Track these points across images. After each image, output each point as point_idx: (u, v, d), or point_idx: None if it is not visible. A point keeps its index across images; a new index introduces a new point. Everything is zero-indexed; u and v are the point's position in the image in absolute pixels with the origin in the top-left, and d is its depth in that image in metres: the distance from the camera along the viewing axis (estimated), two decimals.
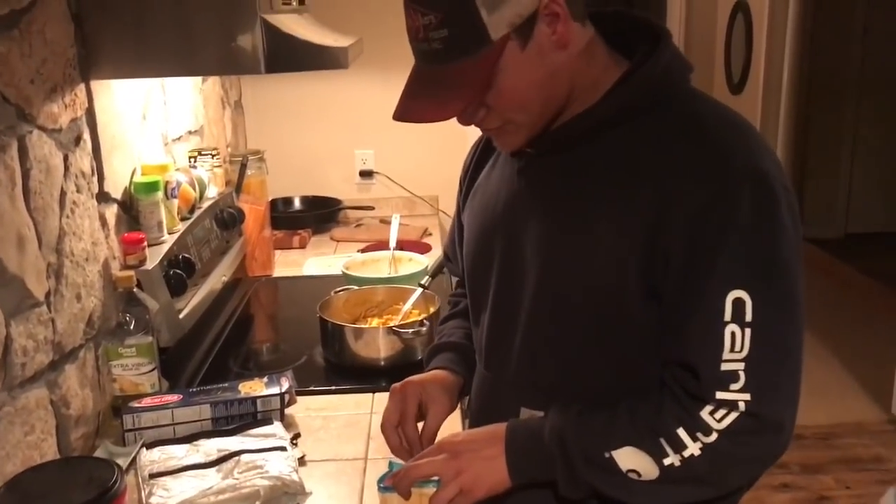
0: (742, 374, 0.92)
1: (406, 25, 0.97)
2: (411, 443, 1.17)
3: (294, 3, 1.78)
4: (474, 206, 1.20)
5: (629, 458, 0.96)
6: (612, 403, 1.01)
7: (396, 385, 1.21)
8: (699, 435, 0.94)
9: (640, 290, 0.97)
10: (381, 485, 1.10)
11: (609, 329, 1.01)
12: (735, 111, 1.02)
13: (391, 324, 1.73)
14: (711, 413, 0.93)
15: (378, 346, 1.69)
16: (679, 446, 0.94)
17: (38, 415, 1.24)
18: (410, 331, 1.67)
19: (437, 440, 1.11)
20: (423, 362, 1.32)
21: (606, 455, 0.96)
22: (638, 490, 0.97)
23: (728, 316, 0.92)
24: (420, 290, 1.82)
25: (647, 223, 0.95)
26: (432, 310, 1.75)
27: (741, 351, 0.92)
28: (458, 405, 1.30)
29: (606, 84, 1.01)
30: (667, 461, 0.95)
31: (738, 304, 0.91)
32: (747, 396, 0.92)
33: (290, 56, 1.52)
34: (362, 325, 1.78)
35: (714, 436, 0.93)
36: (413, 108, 0.99)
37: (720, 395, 0.93)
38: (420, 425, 1.19)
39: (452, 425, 1.47)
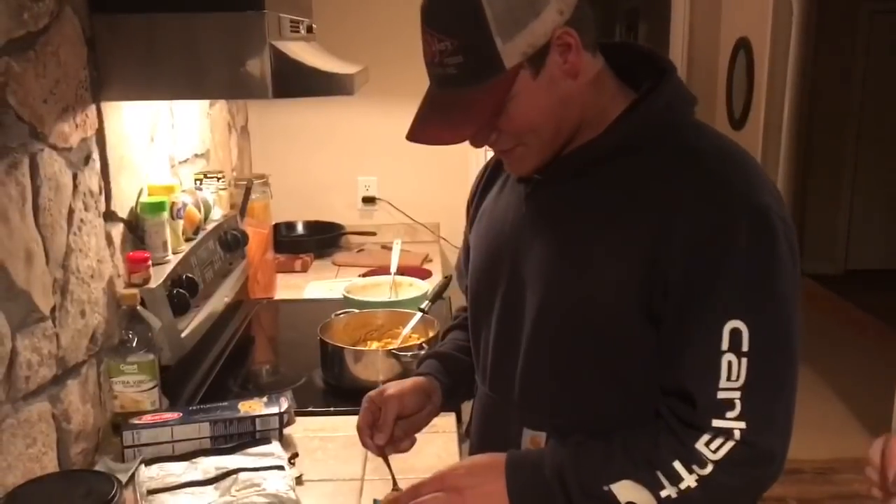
0: (738, 403, 0.94)
1: (423, 49, 0.99)
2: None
3: (302, 31, 1.82)
4: (481, 228, 1.22)
5: (627, 491, 0.97)
6: (613, 428, 1.02)
7: (373, 394, 1.22)
8: (695, 467, 0.95)
9: (639, 315, 0.99)
10: None
11: (609, 353, 1.03)
12: (737, 144, 1.03)
13: (390, 347, 1.74)
14: (707, 444, 0.95)
15: (377, 369, 1.70)
16: (676, 479, 0.96)
17: (39, 428, 1.26)
18: (409, 354, 1.68)
19: (437, 472, 1.10)
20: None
21: (605, 488, 0.98)
22: None
23: (725, 345, 0.93)
24: (420, 314, 1.84)
25: (647, 252, 0.96)
26: (431, 334, 1.77)
27: (737, 380, 0.93)
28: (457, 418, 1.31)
29: (613, 114, 1.03)
30: (664, 493, 0.96)
31: (736, 333, 0.93)
32: (742, 425, 0.94)
33: (297, 82, 1.55)
34: (362, 348, 1.79)
35: (710, 467, 0.95)
36: (425, 130, 1.01)
37: (716, 422, 0.94)
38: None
39: (448, 446, 1.48)
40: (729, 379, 0.94)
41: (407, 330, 1.82)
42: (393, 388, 1.22)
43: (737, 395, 0.94)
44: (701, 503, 0.97)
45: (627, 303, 0.99)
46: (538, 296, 1.07)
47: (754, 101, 5.01)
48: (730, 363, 0.93)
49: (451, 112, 0.99)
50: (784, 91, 4.94)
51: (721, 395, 0.94)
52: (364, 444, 1.21)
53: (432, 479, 1.07)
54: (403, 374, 1.69)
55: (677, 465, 0.96)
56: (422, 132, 1.01)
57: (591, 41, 1.00)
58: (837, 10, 5.22)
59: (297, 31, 1.76)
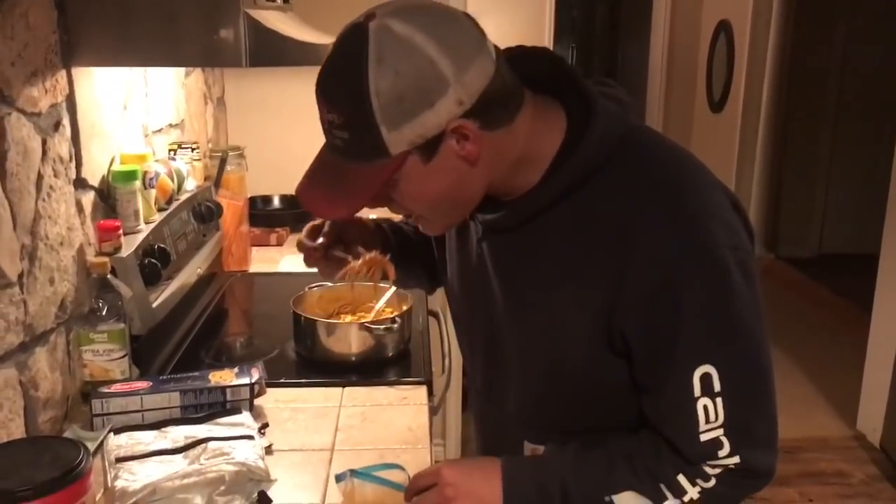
0: (725, 441, 0.95)
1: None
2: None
3: (279, 1, 1.80)
4: (451, 255, 1.22)
5: (630, 502, 0.98)
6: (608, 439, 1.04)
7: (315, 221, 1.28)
8: (699, 481, 0.97)
9: (610, 357, 0.99)
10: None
11: (598, 390, 1.03)
12: (680, 154, 0.99)
13: (364, 320, 1.74)
14: (706, 465, 0.97)
15: (350, 342, 1.70)
16: (679, 492, 0.97)
17: (6, 394, 1.25)
18: (382, 327, 1.69)
19: (433, 466, 1.11)
20: None
21: (607, 499, 0.98)
22: None
23: (698, 391, 0.93)
24: (393, 288, 1.84)
25: (601, 302, 0.95)
26: (405, 307, 1.77)
27: (716, 420, 0.94)
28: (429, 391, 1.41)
29: (550, 147, 0.98)
30: None
31: (706, 378, 0.93)
32: (736, 459, 0.96)
33: (271, 51, 1.53)
34: (335, 321, 1.79)
35: (713, 482, 0.97)
36: (310, 194, 0.98)
37: (710, 462, 0.96)
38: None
39: (418, 417, 1.49)
40: (707, 422, 0.94)
41: (381, 304, 1.81)
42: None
43: (720, 432, 0.94)
44: None
45: (596, 350, 0.99)
46: (514, 341, 1.08)
47: (734, 85, 5.03)
48: (706, 407, 0.94)
49: (334, 184, 0.95)
50: (763, 74, 4.96)
51: (704, 437, 0.95)
52: (303, 249, 1.26)
53: (429, 472, 1.07)
54: (376, 348, 1.70)
55: (681, 478, 0.97)
56: (309, 196, 0.98)
57: (506, 116, 0.94)
58: None
59: (274, 1, 1.74)
